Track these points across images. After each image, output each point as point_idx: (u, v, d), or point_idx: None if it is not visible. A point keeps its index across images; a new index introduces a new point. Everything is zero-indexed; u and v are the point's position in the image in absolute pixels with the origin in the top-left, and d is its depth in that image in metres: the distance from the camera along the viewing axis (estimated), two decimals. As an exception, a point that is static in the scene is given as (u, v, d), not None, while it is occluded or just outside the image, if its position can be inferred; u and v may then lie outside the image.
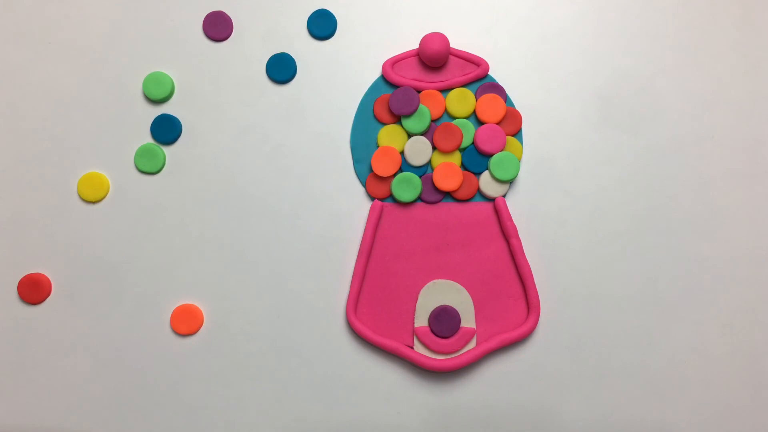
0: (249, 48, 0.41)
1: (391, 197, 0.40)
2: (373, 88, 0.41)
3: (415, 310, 0.39)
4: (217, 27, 0.41)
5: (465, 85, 0.40)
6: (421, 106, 0.39)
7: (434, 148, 0.40)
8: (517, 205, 0.40)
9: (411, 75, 0.40)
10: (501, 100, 0.40)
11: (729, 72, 0.41)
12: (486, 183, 0.39)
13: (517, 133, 0.40)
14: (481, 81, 0.40)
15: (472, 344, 0.38)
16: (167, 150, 0.41)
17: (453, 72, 0.40)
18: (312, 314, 0.40)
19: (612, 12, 0.41)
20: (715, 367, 0.39)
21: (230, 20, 0.41)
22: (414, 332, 0.39)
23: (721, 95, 0.41)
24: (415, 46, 0.41)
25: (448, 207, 0.40)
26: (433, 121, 0.40)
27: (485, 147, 0.39)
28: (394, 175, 0.40)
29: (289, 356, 0.39)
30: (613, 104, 0.41)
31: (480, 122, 0.40)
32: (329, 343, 0.39)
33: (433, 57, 0.39)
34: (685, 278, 0.39)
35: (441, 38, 0.39)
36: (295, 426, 0.39)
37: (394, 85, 0.40)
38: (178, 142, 0.41)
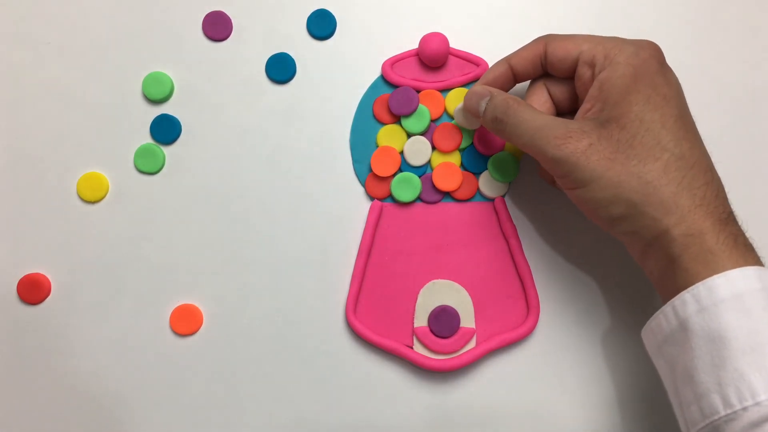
0: (248, 48, 0.41)
1: (390, 197, 0.40)
2: (373, 88, 0.40)
3: (414, 310, 0.39)
4: (217, 27, 0.41)
5: (464, 84, 0.40)
6: (421, 106, 0.39)
7: (434, 148, 0.40)
8: (516, 205, 0.40)
9: (410, 75, 0.40)
10: (501, 100, 0.40)
11: (729, 72, 0.41)
12: (485, 183, 0.39)
13: (516, 133, 0.40)
14: (480, 81, 0.40)
15: (472, 344, 0.38)
16: (167, 150, 0.41)
17: (452, 72, 0.40)
18: (312, 314, 0.40)
19: (611, 12, 0.41)
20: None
21: (230, 20, 0.41)
22: (413, 332, 0.39)
23: (721, 95, 0.41)
24: (415, 45, 0.40)
25: (447, 207, 0.40)
26: (432, 121, 0.40)
27: (485, 147, 0.39)
28: (394, 175, 0.40)
29: (289, 356, 0.39)
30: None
31: (479, 122, 0.40)
32: (329, 343, 0.39)
33: (433, 57, 0.39)
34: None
35: (440, 38, 0.39)
36: (294, 426, 0.39)
37: (393, 85, 0.40)
38: (178, 142, 0.41)
